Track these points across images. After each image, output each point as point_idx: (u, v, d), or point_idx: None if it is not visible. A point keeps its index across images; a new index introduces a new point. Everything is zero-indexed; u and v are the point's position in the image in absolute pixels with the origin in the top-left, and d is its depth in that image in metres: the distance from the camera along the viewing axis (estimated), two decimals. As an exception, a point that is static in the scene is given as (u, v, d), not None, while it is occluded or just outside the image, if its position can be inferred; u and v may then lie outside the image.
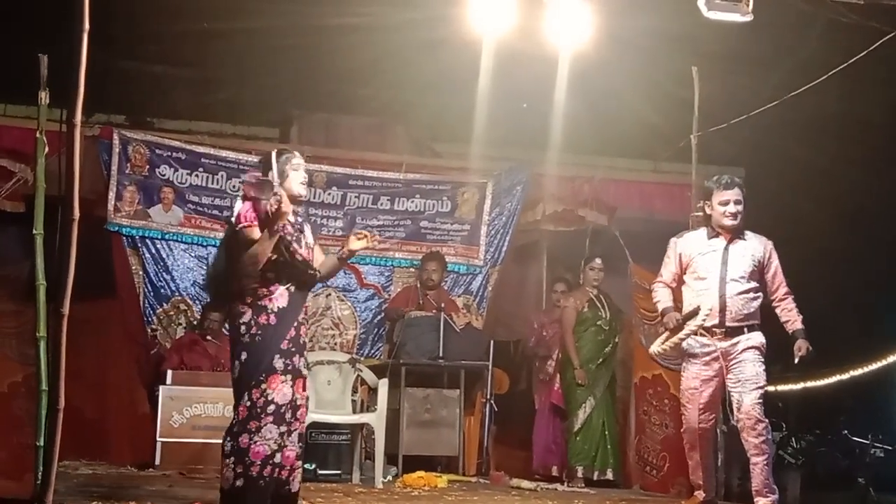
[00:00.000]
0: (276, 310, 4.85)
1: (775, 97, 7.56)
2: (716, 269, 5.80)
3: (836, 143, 9.24)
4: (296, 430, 4.86)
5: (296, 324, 4.92)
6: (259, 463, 4.73)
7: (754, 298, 5.79)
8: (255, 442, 4.73)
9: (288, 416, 4.81)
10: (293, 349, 4.88)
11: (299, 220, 5.09)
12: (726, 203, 5.84)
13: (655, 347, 6.02)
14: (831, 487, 9.68)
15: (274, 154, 5.06)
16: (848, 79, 7.19)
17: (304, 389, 4.92)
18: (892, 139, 9.27)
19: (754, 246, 5.87)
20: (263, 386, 4.77)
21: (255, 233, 4.81)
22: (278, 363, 4.81)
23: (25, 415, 5.53)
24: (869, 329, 10.15)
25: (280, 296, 4.87)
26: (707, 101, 7.36)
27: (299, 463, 4.91)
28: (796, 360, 5.77)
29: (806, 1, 6.83)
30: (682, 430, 6.04)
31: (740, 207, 5.83)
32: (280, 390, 4.79)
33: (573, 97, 7.98)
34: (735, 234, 5.87)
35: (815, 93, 7.23)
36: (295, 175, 5.02)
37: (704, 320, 5.67)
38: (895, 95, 8.95)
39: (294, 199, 5.02)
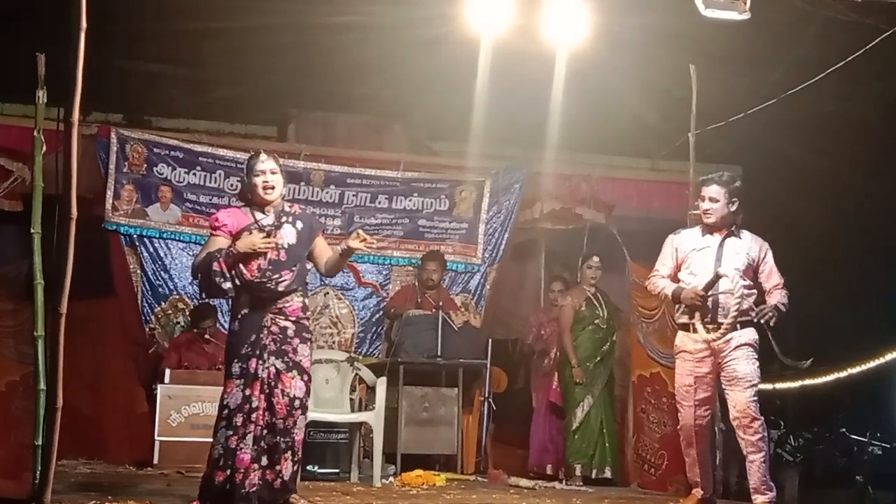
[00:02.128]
0: (239, 316, 5.02)
1: (773, 95, 7.56)
2: (710, 265, 5.80)
3: (834, 141, 9.23)
4: (250, 432, 4.91)
5: (257, 328, 4.99)
6: (211, 465, 4.92)
7: (748, 296, 5.76)
8: (214, 447, 4.93)
9: (238, 419, 4.90)
10: (250, 352, 4.96)
11: (282, 221, 5.11)
12: (703, 199, 5.89)
13: (709, 335, 5.71)
14: (829, 485, 9.67)
15: (246, 161, 5.19)
16: (845, 77, 7.19)
17: (261, 392, 4.95)
18: (889, 137, 9.27)
19: (749, 245, 5.86)
20: (222, 391, 4.96)
21: (220, 240, 5.05)
22: (235, 367, 4.96)
23: (24, 414, 5.54)
24: (866, 327, 10.13)
25: (244, 302, 5.01)
26: (705, 100, 7.36)
27: (255, 465, 4.92)
28: (753, 314, 5.68)
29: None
30: (678, 427, 6.05)
31: (715, 205, 5.82)
32: (232, 394, 4.94)
33: (571, 95, 7.98)
34: (729, 231, 5.87)
35: (813, 91, 7.24)
36: (255, 181, 5.09)
37: (730, 278, 5.59)
38: (892, 93, 8.96)
39: (266, 202, 5.10)
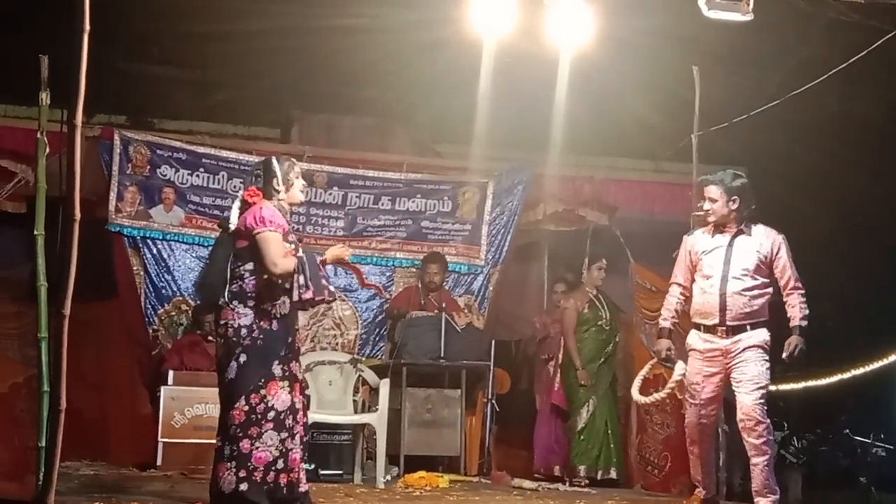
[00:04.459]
0: (278, 315, 4.95)
1: (776, 97, 7.55)
2: (719, 266, 5.79)
3: (837, 142, 9.22)
4: (297, 433, 4.97)
5: (293, 330, 5.05)
6: (262, 468, 4.84)
7: (758, 296, 5.75)
8: (257, 448, 4.84)
9: (289, 421, 4.92)
10: (289, 355, 4.99)
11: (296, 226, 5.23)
12: (703, 200, 5.92)
13: (637, 396, 6.28)
14: (833, 487, 9.68)
15: (275, 160, 5.18)
16: (849, 78, 7.18)
17: (300, 393, 5.03)
18: (893, 138, 9.26)
19: (760, 241, 5.82)
20: (263, 392, 4.87)
21: (280, 237, 4.94)
22: (276, 369, 4.92)
23: (27, 415, 5.55)
24: (870, 328, 10.13)
25: (283, 302, 4.97)
26: (708, 101, 7.36)
27: (303, 464, 5.01)
28: (784, 355, 5.73)
29: (807, 0, 6.83)
30: (684, 424, 6.06)
31: (715, 205, 5.84)
32: (279, 396, 4.90)
33: (574, 97, 7.97)
34: (738, 229, 5.85)
35: (816, 92, 7.23)
36: (297, 183, 5.18)
37: (682, 376, 5.88)
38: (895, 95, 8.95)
39: (298, 204, 5.26)
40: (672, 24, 7.30)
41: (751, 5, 6.13)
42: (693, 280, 5.96)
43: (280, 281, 4.90)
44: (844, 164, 9.32)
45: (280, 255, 4.89)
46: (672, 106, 8.24)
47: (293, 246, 5.03)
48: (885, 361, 10.52)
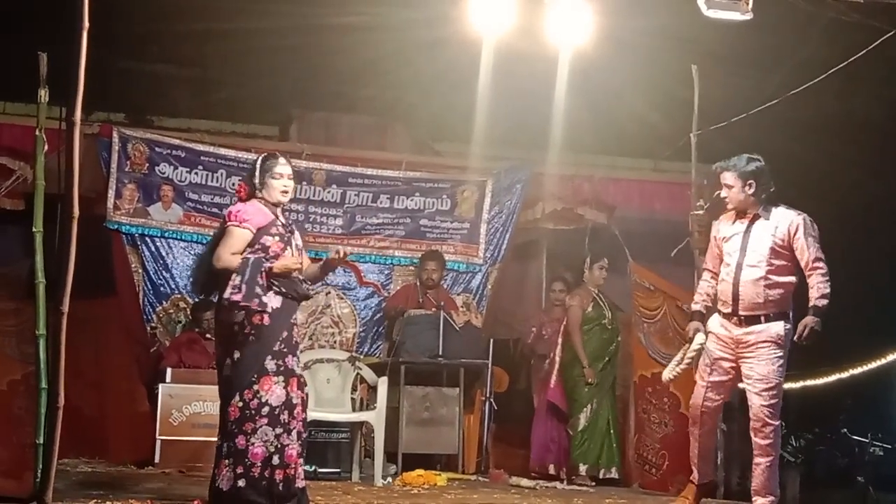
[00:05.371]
0: (269, 310, 4.94)
1: (775, 96, 7.54)
2: (735, 254, 5.72)
3: (837, 142, 9.21)
4: (294, 428, 4.96)
5: (288, 325, 5.02)
6: (259, 464, 4.84)
7: (776, 285, 5.63)
8: (253, 443, 4.84)
9: (284, 417, 4.91)
10: (285, 350, 4.97)
11: (290, 222, 5.22)
12: (721, 188, 5.87)
13: (664, 375, 6.10)
14: (830, 486, 9.68)
15: (259, 160, 5.21)
16: (848, 78, 7.18)
17: (298, 388, 5.00)
18: (892, 138, 9.25)
19: (776, 224, 5.69)
20: (256, 387, 4.88)
21: (245, 234, 4.96)
22: (270, 364, 4.92)
23: (25, 413, 5.54)
24: (869, 328, 10.12)
25: (274, 296, 4.95)
26: (707, 100, 7.35)
27: (301, 460, 5.00)
28: (794, 338, 5.60)
29: (806, 0, 6.83)
30: (689, 403, 6.05)
31: (731, 192, 5.76)
32: (273, 391, 4.90)
33: (573, 96, 7.97)
34: (755, 213, 5.75)
35: (816, 92, 7.22)
36: (275, 183, 5.13)
37: (701, 346, 5.81)
38: (895, 94, 8.94)
39: (280, 204, 5.18)
40: (671, 24, 7.29)
41: (750, 5, 6.13)
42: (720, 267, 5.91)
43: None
44: (844, 164, 9.31)
45: (229, 251, 4.93)
46: (671, 105, 8.23)
47: (278, 238, 5.03)
48: (883, 361, 10.52)
